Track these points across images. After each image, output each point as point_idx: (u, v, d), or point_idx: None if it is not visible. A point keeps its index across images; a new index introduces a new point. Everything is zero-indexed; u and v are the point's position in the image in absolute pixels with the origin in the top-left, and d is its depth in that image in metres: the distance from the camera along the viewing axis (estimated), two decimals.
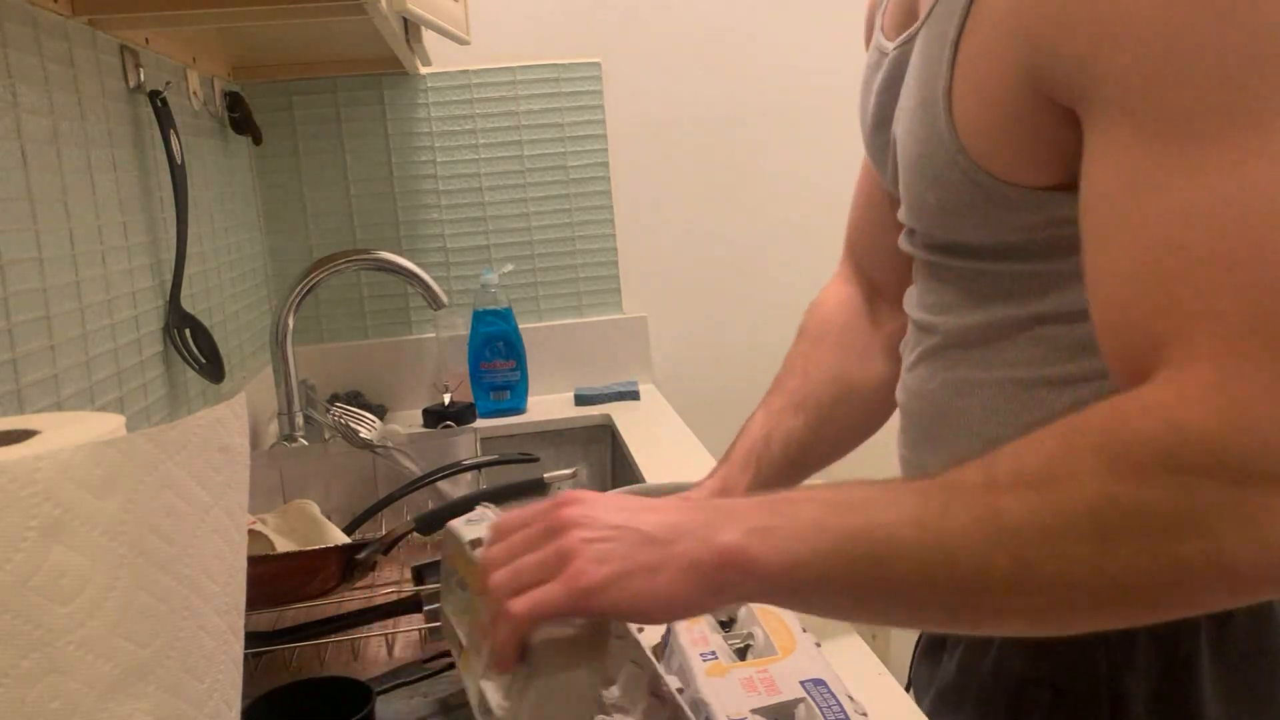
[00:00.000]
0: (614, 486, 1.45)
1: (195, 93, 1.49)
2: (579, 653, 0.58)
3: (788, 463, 0.91)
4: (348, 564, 0.92)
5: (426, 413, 1.87)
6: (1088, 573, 0.50)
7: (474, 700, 0.62)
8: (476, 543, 0.67)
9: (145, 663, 0.43)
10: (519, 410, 1.90)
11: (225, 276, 1.58)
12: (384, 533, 0.97)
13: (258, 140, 1.77)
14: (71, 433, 0.48)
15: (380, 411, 1.87)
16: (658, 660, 0.73)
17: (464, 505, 1.04)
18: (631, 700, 0.57)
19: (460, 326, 1.92)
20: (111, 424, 0.50)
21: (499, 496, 1.03)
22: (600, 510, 0.58)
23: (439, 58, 1.85)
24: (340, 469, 1.25)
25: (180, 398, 1.31)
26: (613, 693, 0.57)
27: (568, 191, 1.98)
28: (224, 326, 1.54)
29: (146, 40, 1.27)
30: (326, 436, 1.51)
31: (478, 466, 1.16)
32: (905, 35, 0.75)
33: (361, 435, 1.36)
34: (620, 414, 1.83)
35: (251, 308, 1.76)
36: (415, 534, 0.98)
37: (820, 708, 0.68)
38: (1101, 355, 0.58)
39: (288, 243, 1.92)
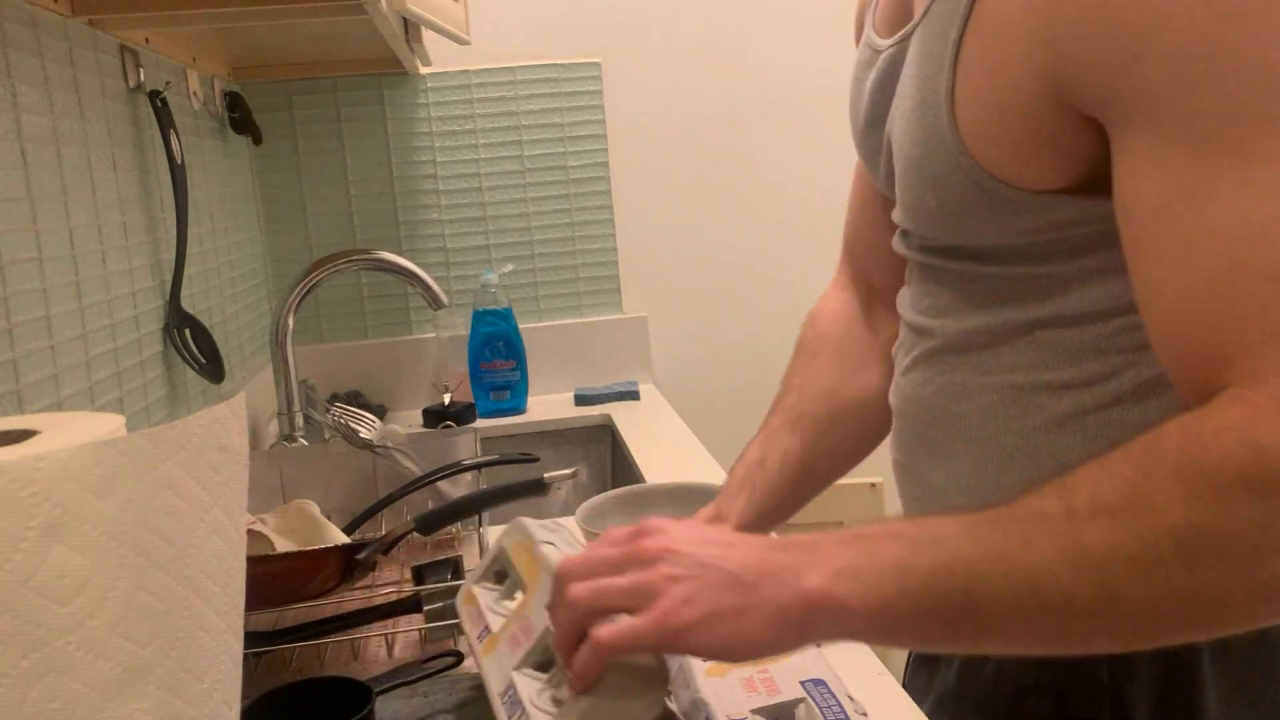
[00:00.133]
0: (614, 486, 1.45)
1: (195, 93, 1.49)
2: (641, 682, 0.59)
3: (787, 481, 0.89)
4: (348, 564, 0.92)
5: (426, 413, 1.87)
6: (1176, 598, 0.51)
7: (495, 686, 0.63)
8: (548, 545, 0.68)
9: (145, 663, 0.43)
10: (519, 410, 1.90)
11: (225, 276, 1.59)
12: (384, 533, 0.97)
13: (258, 140, 1.77)
14: (71, 433, 0.48)
15: (380, 411, 1.87)
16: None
17: (464, 505, 1.04)
18: None
19: (460, 326, 1.92)
20: (111, 424, 0.50)
21: (499, 496, 1.03)
22: (685, 545, 0.58)
23: (439, 58, 1.85)
24: (340, 469, 1.25)
25: (180, 398, 1.31)
26: None
27: (568, 191, 1.98)
28: (224, 326, 1.54)
29: (146, 40, 1.27)
30: (326, 436, 1.51)
31: (478, 466, 1.16)
32: (901, 33, 0.74)
33: (361, 435, 1.36)
34: (620, 414, 1.83)
35: (251, 308, 1.76)
36: (415, 534, 0.98)
37: (820, 708, 0.68)
38: (1162, 366, 0.58)
39: (288, 243, 1.92)
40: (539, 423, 1.86)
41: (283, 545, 1.02)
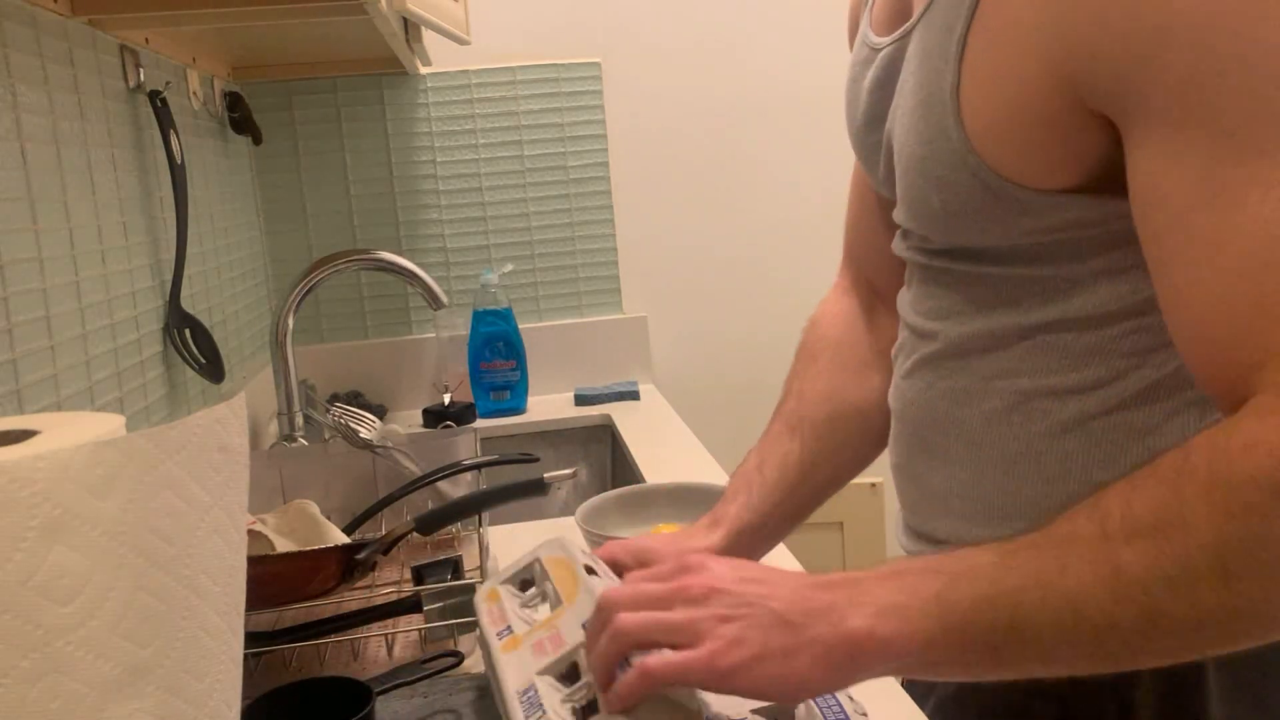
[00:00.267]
0: (614, 486, 1.45)
1: (195, 93, 1.49)
2: (676, 713, 0.60)
3: (787, 486, 0.88)
4: (348, 564, 0.91)
5: (426, 413, 1.87)
6: (1217, 614, 0.51)
7: (512, 683, 0.65)
8: (589, 569, 0.71)
9: (145, 663, 0.43)
10: (519, 410, 1.90)
11: (225, 276, 1.59)
12: (384, 533, 0.97)
13: (258, 140, 1.77)
14: (71, 433, 0.48)
15: (380, 411, 1.87)
16: None
17: (464, 505, 1.04)
18: None
19: (460, 326, 1.92)
20: (111, 424, 0.50)
21: (499, 496, 1.03)
22: (730, 583, 0.59)
23: (439, 58, 1.85)
24: (340, 469, 1.25)
25: (180, 398, 1.31)
26: None
27: (568, 191, 1.98)
28: (224, 326, 1.54)
29: (146, 40, 1.27)
30: (326, 436, 1.51)
31: (478, 466, 1.15)
32: (900, 31, 0.73)
33: (361, 435, 1.36)
34: (620, 414, 1.83)
35: (251, 308, 1.76)
36: (415, 534, 0.98)
37: (820, 708, 0.68)
38: (1191, 371, 0.58)
39: (288, 243, 1.92)
40: (539, 423, 1.86)
41: (283, 545, 1.02)
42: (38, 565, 0.40)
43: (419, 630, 0.94)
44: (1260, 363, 0.53)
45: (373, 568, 0.96)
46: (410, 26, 1.53)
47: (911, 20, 0.71)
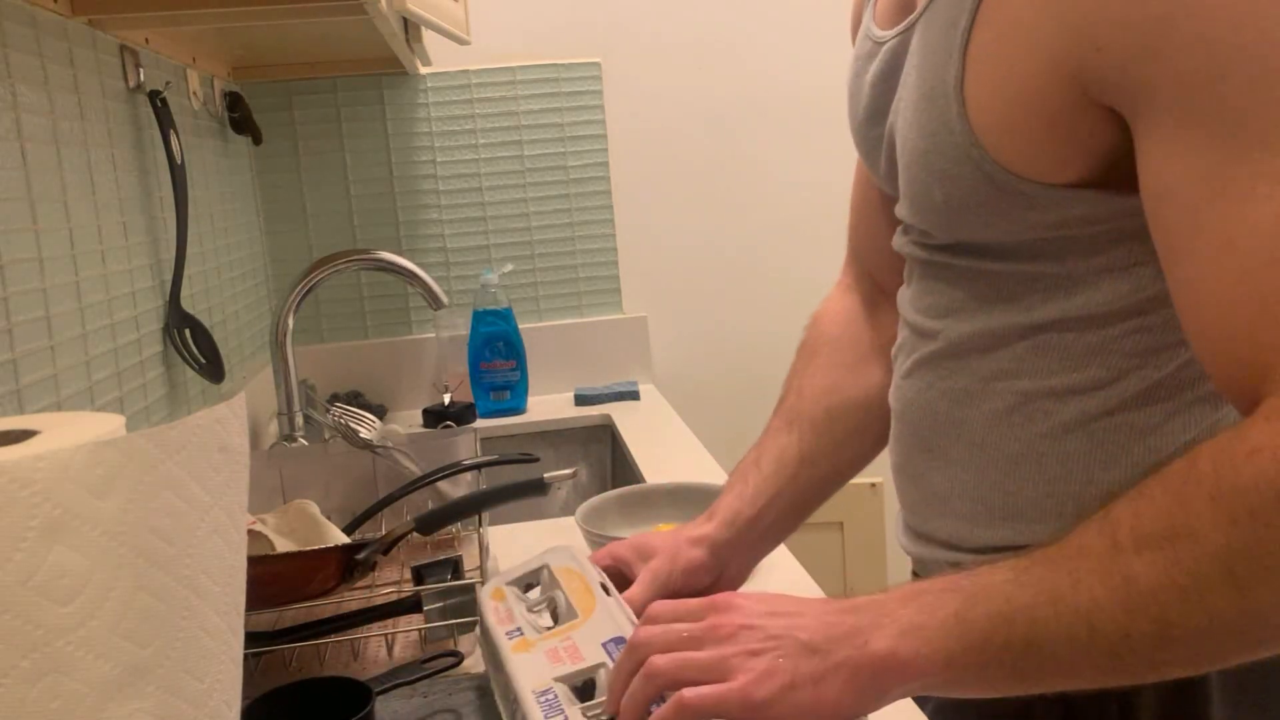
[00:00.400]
0: (614, 486, 1.45)
1: (195, 93, 1.49)
2: None
3: (784, 478, 0.88)
4: (348, 564, 0.91)
5: (426, 413, 1.87)
6: (1233, 620, 0.51)
7: (527, 683, 0.66)
8: (604, 587, 0.74)
9: (145, 663, 0.43)
10: (519, 410, 1.90)
11: (225, 276, 1.59)
12: (384, 533, 0.97)
13: (258, 140, 1.77)
14: (71, 433, 0.48)
15: (380, 411, 1.87)
16: None
17: (464, 505, 1.04)
18: None
19: (460, 326, 1.92)
20: (111, 424, 0.50)
21: (499, 496, 1.03)
22: (758, 618, 0.60)
23: (439, 58, 1.85)
24: (340, 469, 1.25)
25: (180, 398, 1.31)
26: None
27: (568, 191, 1.98)
28: (224, 326, 1.54)
29: (146, 40, 1.27)
30: (326, 436, 1.50)
31: (478, 466, 1.15)
32: (904, 24, 0.72)
33: (361, 435, 1.36)
34: (620, 414, 1.83)
35: (251, 308, 1.76)
36: (415, 534, 0.98)
37: None
38: (1203, 368, 0.58)
39: (288, 243, 1.92)
40: (539, 423, 1.86)
41: (283, 545, 1.02)
42: (38, 565, 0.40)
43: (419, 630, 0.94)
44: (1270, 363, 0.52)
45: (373, 568, 0.96)
46: (410, 26, 1.53)
47: (915, 14, 0.70)
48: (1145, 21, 0.54)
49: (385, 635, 0.96)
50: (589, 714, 0.63)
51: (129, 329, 1.15)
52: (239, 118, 1.70)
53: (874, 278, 0.94)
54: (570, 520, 1.11)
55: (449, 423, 1.81)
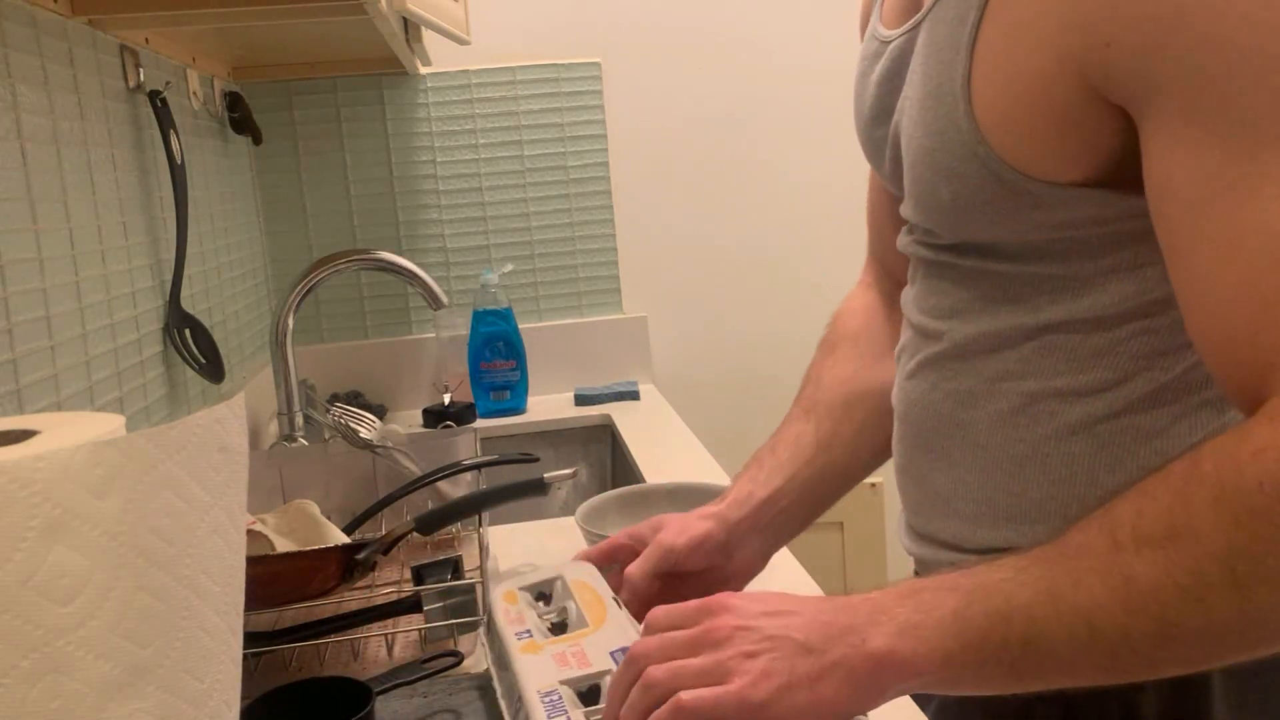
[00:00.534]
0: (614, 486, 1.45)
1: (195, 93, 1.49)
2: None
3: (799, 461, 0.88)
4: (348, 564, 0.91)
5: (426, 413, 1.87)
6: (1232, 621, 0.51)
7: (533, 683, 0.66)
8: (616, 601, 0.75)
9: (145, 663, 0.43)
10: (519, 410, 1.90)
11: (225, 276, 1.59)
12: (384, 533, 0.97)
13: (258, 140, 1.77)
14: (71, 433, 0.48)
15: (380, 411, 1.87)
16: None
17: (464, 505, 1.04)
18: None
19: (460, 326, 1.92)
20: (111, 424, 0.50)
21: (499, 496, 1.03)
22: (753, 619, 0.59)
23: (439, 58, 1.85)
24: (340, 469, 1.25)
25: (180, 398, 1.31)
26: None
27: (568, 191, 1.98)
28: (224, 326, 1.54)
29: (146, 40, 1.27)
30: (326, 436, 1.50)
31: (478, 466, 1.15)
32: (911, 22, 0.72)
33: (361, 435, 1.36)
34: (620, 414, 1.83)
35: (251, 308, 1.76)
36: (415, 534, 0.98)
37: None
38: (1207, 367, 0.58)
39: (288, 243, 1.92)
40: (539, 423, 1.86)
41: (283, 545, 1.02)
42: (38, 565, 0.40)
43: (419, 630, 0.94)
44: (1272, 364, 0.52)
45: (373, 568, 0.96)
46: (410, 26, 1.54)
47: (921, 13, 0.70)
48: (1155, 18, 0.54)
49: (385, 635, 0.96)
50: (592, 718, 0.63)
51: (129, 329, 1.15)
52: (239, 118, 1.70)
53: (894, 274, 0.94)
54: (570, 520, 1.11)
55: (449, 423, 1.81)
